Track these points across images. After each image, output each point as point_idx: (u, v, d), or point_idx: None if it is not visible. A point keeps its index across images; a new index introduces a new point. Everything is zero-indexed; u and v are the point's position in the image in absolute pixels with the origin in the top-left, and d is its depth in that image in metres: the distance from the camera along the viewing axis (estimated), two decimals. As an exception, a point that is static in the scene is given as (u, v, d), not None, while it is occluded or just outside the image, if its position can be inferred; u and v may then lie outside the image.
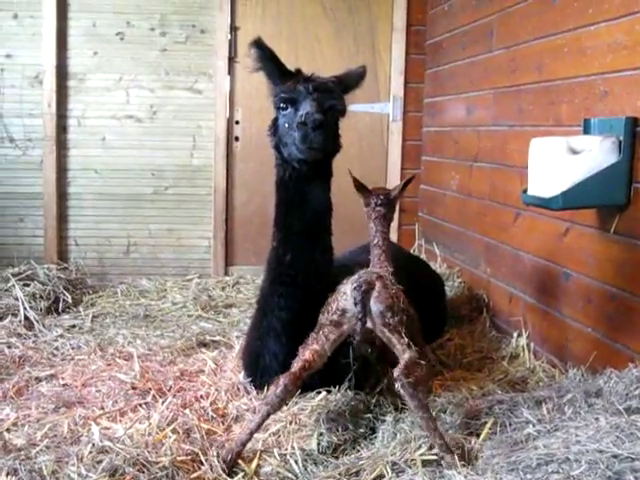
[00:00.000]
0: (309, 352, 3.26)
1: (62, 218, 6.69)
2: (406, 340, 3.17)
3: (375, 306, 3.21)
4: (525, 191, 3.78)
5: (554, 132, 4.19)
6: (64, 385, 4.04)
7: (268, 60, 3.86)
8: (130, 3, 6.59)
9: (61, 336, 4.96)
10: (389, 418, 3.48)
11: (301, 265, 3.82)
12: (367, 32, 6.88)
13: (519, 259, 4.76)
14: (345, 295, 3.27)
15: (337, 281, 3.51)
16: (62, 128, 6.62)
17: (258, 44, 3.84)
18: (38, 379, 4.14)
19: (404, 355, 3.11)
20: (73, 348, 4.72)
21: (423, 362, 3.14)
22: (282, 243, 3.87)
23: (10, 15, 6.49)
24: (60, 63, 6.54)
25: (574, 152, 3.51)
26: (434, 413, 3.30)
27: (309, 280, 3.82)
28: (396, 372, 3.03)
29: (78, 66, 6.62)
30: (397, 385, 3.02)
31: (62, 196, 6.67)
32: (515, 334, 4.68)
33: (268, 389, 3.80)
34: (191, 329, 5.19)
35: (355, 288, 3.22)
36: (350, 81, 4.04)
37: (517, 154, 4.74)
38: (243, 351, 4.25)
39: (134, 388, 3.87)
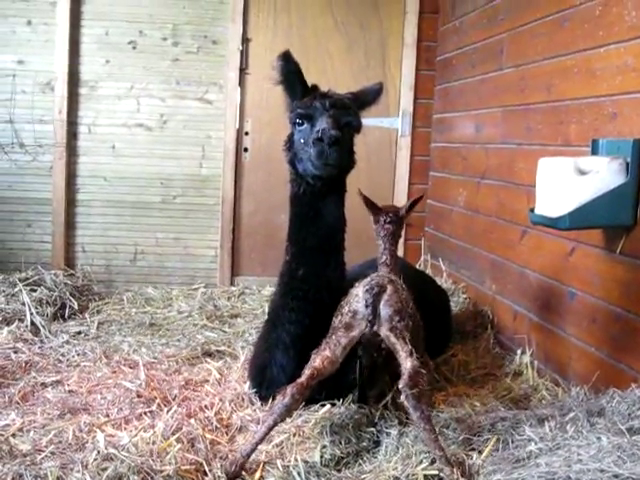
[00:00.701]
0: (320, 359, 3.29)
1: (70, 224, 6.72)
2: (409, 347, 3.20)
3: (384, 309, 3.27)
4: (532, 210, 3.80)
5: (562, 152, 4.21)
6: (70, 391, 4.06)
7: (293, 74, 3.88)
8: (143, 12, 6.64)
9: (67, 342, 4.98)
10: (393, 432, 3.49)
11: (314, 280, 3.84)
12: (378, 47, 6.91)
13: (525, 277, 4.78)
14: (357, 297, 3.33)
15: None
16: (72, 135, 6.66)
17: (287, 57, 3.84)
18: (44, 385, 4.16)
19: (407, 363, 3.14)
20: (79, 354, 4.74)
21: (425, 372, 3.18)
22: (295, 257, 3.89)
23: (24, 22, 6.54)
24: (72, 70, 6.59)
25: (582, 172, 3.53)
26: (437, 428, 3.29)
27: (321, 295, 3.82)
28: (401, 383, 3.06)
29: (90, 73, 6.67)
30: (402, 396, 3.05)
31: (71, 202, 6.70)
32: (519, 351, 4.69)
33: (274, 400, 3.82)
34: (196, 338, 5.21)
35: (367, 290, 3.29)
36: (366, 97, 4.06)
37: (525, 172, 4.76)
38: (250, 362, 4.27)
39: (139, 396, 3.88)
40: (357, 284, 3.44)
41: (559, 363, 4.28)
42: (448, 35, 6.57)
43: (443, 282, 6.10)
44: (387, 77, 6.88)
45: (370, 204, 3.83)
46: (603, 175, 3.46)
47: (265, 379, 3.98)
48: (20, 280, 5.64)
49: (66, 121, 6.58)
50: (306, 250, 3.87)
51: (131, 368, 4.42)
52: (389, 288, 3.31)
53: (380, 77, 6.76)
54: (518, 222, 4.87)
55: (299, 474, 3.14)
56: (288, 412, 3.23)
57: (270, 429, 3.22)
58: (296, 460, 3.24)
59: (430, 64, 6.91)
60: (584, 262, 4.05)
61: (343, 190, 3.96)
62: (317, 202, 3.84)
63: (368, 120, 6.65)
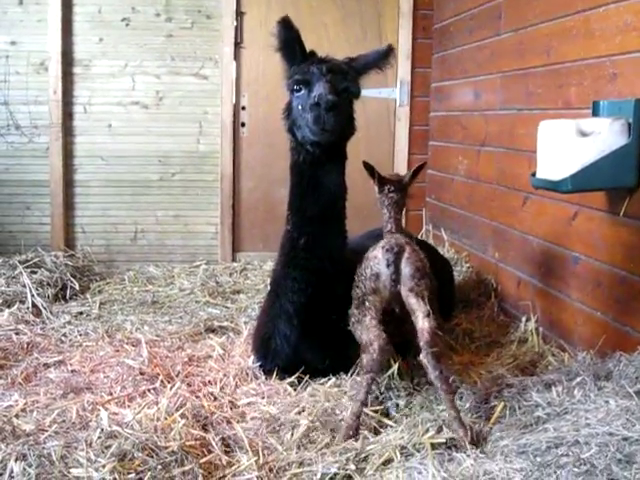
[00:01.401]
0: (369, 320, 3.34)
1: (69, 205, 6.69)
2: (428, 308, 3.23)
3: (406, 268, 3.28)
4: (534, 174, 3.76)
5: (563, 115, 4.16)
6: (72, 371, 4.05)
7: (292, 41, 3.82)
8: (136, -12, 6.57)
9: (69, 323, 4.97)
10: (400, 402, 3.50)
11: (315, 249, 3.81)
12: (374, 17, 6.84)
13: (527, 243, 4.74)
14: (377, 259, 3.34)
15: (350, 266, 3.58)
16: (68, 115, 6.61)
17: (286, 23, 3.78)
18: (46, 365, 4.15)
19: (425, 323, 3.18)
20: (81, 335, 4.73)
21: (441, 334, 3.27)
22: (296, 227, 3.85)
23: (15, 2, 6.48)
24: (65, 50, 6.53)
25: (583, 134, 3.48)
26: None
27: (323, 264, 3.81)
28: (421, 342, 3.12)
29: (83, 52, 6.61)
30: (422, 354, 3.11)
31: (68, 183, 6.66)
32: (524, 318, 4.66)
33: (278, 373, 3.89)
34: (199, 315, 5.19)
35: (387, 250, 3.30)
36: (369, 61, 3.99)
37: (525, 138, 4.71)
38: (253, 335, 4.26)
39: (142, 374, 3.86)
40: (372, 248, 3.44)
41: (564, 329, 4.25)
42: (445, 2, 6.50)
43: (445, 252, 6.07)
44: (384, 47, 6.80)
45: (374, 173, 3.80)
46: (605, 136, 3.41)
47: (269, 351, 3.98)
48: (20, 262, 5.63)
49: (61, 101, 6.52)
50: (307, 219, 3.83)
51: (134, 346, 4.40)
52: (408, 248, 3.33)
53: (377, 47, 6.67)
54: (520, 188, 4.82)
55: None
56: (380, 365, 3.33)
57: (370, 386, 3.31)
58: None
59: (427, 32, 6.84)
60: (587, 226, 4.01)
61: (343, 158, 3.92)
62: (317, 170, 3.80)
63: (366, 91, 6.63)
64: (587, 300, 4.01)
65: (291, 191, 3.90)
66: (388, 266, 3.28)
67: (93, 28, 6.59)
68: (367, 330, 3.32)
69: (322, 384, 3.81)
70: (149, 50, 6.64)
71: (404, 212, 5.70)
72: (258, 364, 4.03)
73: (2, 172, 6.59)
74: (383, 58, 4.01)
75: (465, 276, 5.59)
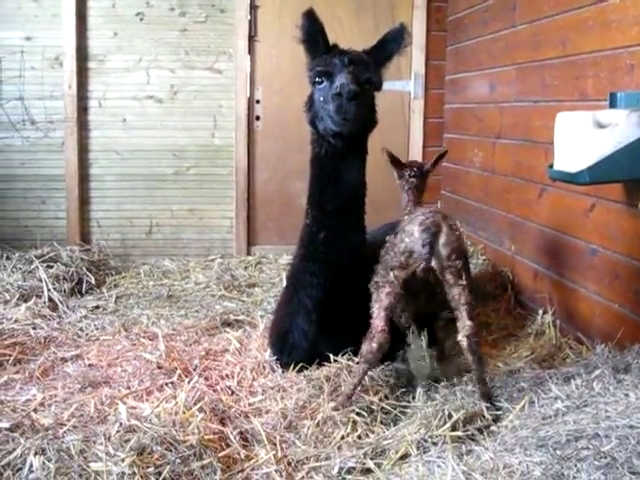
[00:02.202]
0: (385, 296, 3.37)
1: (84, 200, 6.70)
2: (469, 298, 3.28)
3: (443, 248, 3.27)
4: (551, 166, 3.74)
5: (579, 107, 4.14)
6: (90, 365, 4.06)
7: (317, 33, 3.84)
8: (149, -17, 6.57)
9: (85, 317, 4.98)
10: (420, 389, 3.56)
11: (334, 243, 3.80)
12: (387, 10, 6.82)
13: (544, 235, 4.72)
14: (412, 236, 3.28)
15: (369, 261, 3.58)
16: (83, 109, 6.62)
17: (311, 16, 3.81)
18: (64, 359, 4.16)
19: (467, 314, 3.26)
20: (98, 329, 4.74)
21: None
22: (316, 221, 3.84)
23: (30, -3, 6.48)
24: (80, 44, 6.54)
25: (600, 126, 3.46)
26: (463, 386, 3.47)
27: (342, 259, 3.80)
28: (468, 330, 3.23)
29: (98, 47, 6.61)
30: (465, 342, 3.23)
31: (84, 178, 6.68)
32: (540, 311, 4.64)
33: (295, 366, 3.89)
34: (215, 309, 5.19)
35: (424, 230, 3.24)
36: (390, 51, 3.97)
37: (541, 130, 4.69)
38: (270, 329, 4.27)
39: (160, 367, 3.86)
40: (407, 220, 3.42)
41: (582, 321, 4.24)
42: (459, -6, 6.48)
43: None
44: (398, 39, 6.78)
45: (394, 160, 3.89)
46: (622, 128, 3.38)
47: (286, 345, 3.97)
48: (36, 257, 5.65)
49: (76, 96, 6.53)
50: (327, 213, 3.81)
51: (150, 340, 4.42)
52: (444, 226, 3.29)
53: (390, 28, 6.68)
54: (536, 180, 4.80)
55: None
56: (378, 358, 3.40)
57: (364, 375, 3.44)
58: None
59: (441, 25, 6.82)
60: (604, 218, 3.99)
61: (364, 151, 3.90)
62: (338, 163, 3.78)
63: (380, 84, 6.65)
64: (605, 292, 3.99)
65: (311, 185, 3.89)
66: (423, 246, 3.22)
67: (107, 23, 6.59)
68: (376, 314, 3.37)
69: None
70: (163, 44, 6.64)
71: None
72: (275, 358, 4.02)
73: (18, 167, 6.61)
74: (400, 41, 3.95)
75: (481, 269, 5.57)
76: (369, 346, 3.34)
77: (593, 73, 4.11)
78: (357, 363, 3.51)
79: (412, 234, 3.28)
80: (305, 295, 3.87)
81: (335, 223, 3.80)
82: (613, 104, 3.72)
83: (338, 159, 3.77)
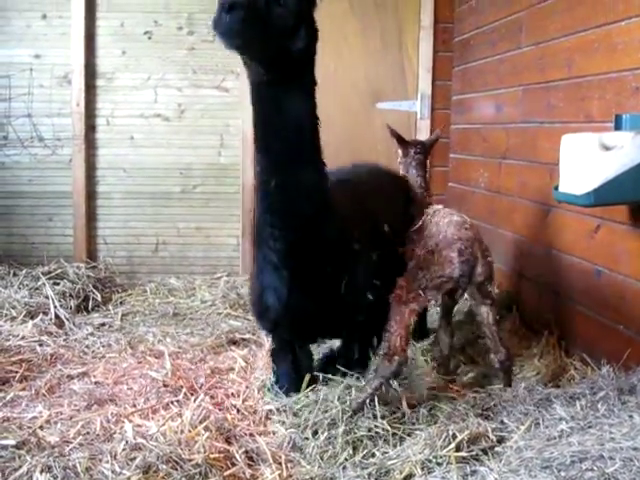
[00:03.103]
0: (409, 314, 3.41)
1: (91, 217, 6.73)
2: (492, 302, 3.57)
3: (479, 277, 3.48)
4: (556, 188, 3.76)
5: (585, 129, 4.16)
6: (96, 383, 4.08)
7: None
8: (158, 2, 6.62)
9: (91, 334, 5.00)
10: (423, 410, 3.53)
11: (288, 190, 3.36)
12: (394, 30, 6.85)
13: (549, 256, 4.73)
14: (452, 265, 3.42)
15: (336, 204, 3.51)
16: (91, 127, 6.66)
17: None
18: (70, 377, 4.18)
19: (490, 321, 3.57)
20: (104, 346, 4.76)
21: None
22: (265, 168, 3.40)
23: (39, 15, 6.55)
24: (89, 62, 6.59)
25: (606, 148, 3.48)
26: (466, 406, 3.47)
27: (299, 205, 3.38)
28: (503, 356, 3.59)
29: (106, 65, 6.67)
30: (501, 366, 3.60)
31: (91, 195, 6.71)
32: (546, 332, 4.63)
33: (274, 330, 3.90)
34: (220, 327, 5.21)
35: (464, 262, 3.42)
36: None
37: (547, 151, 4.71)
38: (250, 294, 4.10)
39: (165, 385, 3.88)
40: (446, 244, 3.50)
41: (587, 342, 4.24)
42: (465, 15, 6.51)
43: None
44: (404, 60, 6.84)
45: (398, 138, 4.02)
46: (627, 150, 3.40)
47: (263, 305, 3.69)
48: (43, 274, 5.69)
49: (84, 114, 6.58)
50: (274, 157, 3.35)
51: (156, 358, 4.44)
52: (480, 258, 3.50)
53: (397, 60, 6.77)
54: (541, 201, 4.82)
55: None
56: (395, 376, 3.47)
57: (377, 390, 3.40)
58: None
59: (448, 45, 6.85)
60: (610, 239, 4.00)
61: (307, 80, 3.37)
62: (275, 94, 3.25)
63: (386, 104, 6.73)
64: (610, 314, 4.00)
65: (254, 126, 3.41)
66: (462, 276, 3.42)
67: (116, 41, 6.65)
68: (399, 333, 3.37)
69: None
70: (171, 63, 6.69)
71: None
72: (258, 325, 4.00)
73: (25, 184, 6.65)
74: None
75: (486, 288, 5.57)
76: (388, 364, 3.35)
77: (599, 95, 4.13)
78: (371, 378, 3.52)
79: (452, 262, 3.41)
80: (270, 250, 3.51)
81: (285, 168, 3.35)
82: (618, 126, 3.73)
83: (274, 90, 3.26)
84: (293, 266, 3.49)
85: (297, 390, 3.75)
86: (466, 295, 3.71)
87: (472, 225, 3.72)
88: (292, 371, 3.95)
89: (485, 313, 3.55)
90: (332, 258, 3.50)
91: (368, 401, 3.38)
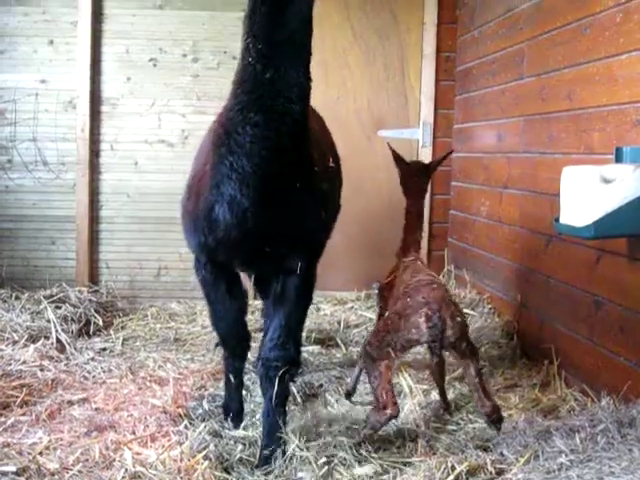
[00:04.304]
0: (385, 369, 3.38)
1: (94, 241, 6.76)
2: (472, 357, 3.45)
3: (449, 338, 3.37)
4: (557, 220, 3.78)
5: (585, 160, 4.19)
6: (96, 409, 4.07)
7: None
8: (163, 30, 6.69)
9: (92, 359, 5.00)
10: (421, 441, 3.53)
11: (283, 86, 3.09)
12: (397, 58, 6.91)
13: (550, 286, 4.74)
14: (420, 330, 3.36)
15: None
16: (95, 152, 6.71)
17: None
18: (70, 402, 4.17)
19: (472, 373, 3.45)
20: (104, 371, 4.76)
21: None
22: (262, 56, 3.04)
23: (46, 41, 6.61)
24: (94, 88, 6.65)
25: (606, 181, 3.50)
26: (465, 438, 3.52)
27: (292, 107, 3.12)
28: (488, 409, 3.41)
29: (111, 91, 6.72)
30: (489, 419, 3.44)
31: (94, 219, 6.74)
32: (546, 361, 4.64)
33: (214, 249, 3.54)
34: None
35: (431, 327, 3.33)
36: None
37: (548, 181, 4.74)
38: (188, 210, 3.70)
39: (165, 413, 3.88)
40: (410, 305, 3.46)
41: (587, 373, 4.24)
42: (467, 45, 6.56)
43: (467, 292, 6.07)
44: (407, 88, 6.89)
45: (399, 158, 3.99)
46: (628, 183, 3.43)
47: (210, 221, 3.40)
48: (45, 297, 5.70)
49: (88, 139, 6.63)
50: (275, 45, 3.06)
51: (157, 384, 4.43)
52: (449, 321, 3.37)
53: (400, 88, 6.82)
54: (542, 231, 4.84)
55: None
56: (380, 429, 3.46)
57: (367, 438, 3.46)
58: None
59: (450, 74, 6.90)
60: (610, 271, 4.02)
61: None
62: None
63: (389, 132, 6.76)
64: (610, 345, 4.00)
65: (253, 11, 3.08)
66: (432, 341, 3.37)
67: (121, 68, 6.71)
68: (383, 387, 3.36)
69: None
70: (176, 89, 6.74)
71: (424, 253, 5.79)
72: (195, 244, 3.63)
73: (29, 207, 6.69)
74: None
75: (487, 317, 5.58)
76: (379, 417, 3.35)
77: (599, 127, 4.17)
78: (362, 428, 3.54)
79: (419, 328, 3.36)
80: (243, 155, 3.14)
81: (284, 59, 3.08)
82: (619, 159, 3.76)
83: None
84: (267, 174, 3.19)
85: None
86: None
87: (440, 284, 3.70)
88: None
89: (466, 367, 3.49)
90: (299, 173, 3.31)
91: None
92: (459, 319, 3.44)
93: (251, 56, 3.06)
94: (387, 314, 3.62)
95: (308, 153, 3.35)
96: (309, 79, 3.18)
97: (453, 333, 3.37)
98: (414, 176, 4.07)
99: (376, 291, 4.28)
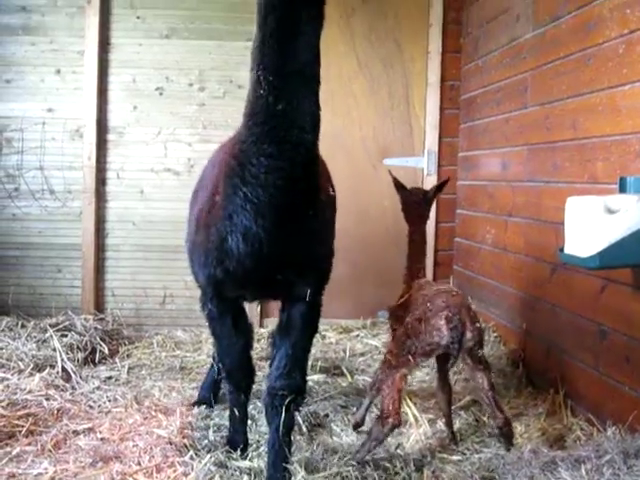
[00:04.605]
0: (400, 379, 3.46)
1: (100, 269, 6.79)
2: (485, 366, 3.60)
3: (468, 342, 3.48)
4: (562, 249, 3.78)
5: (589, 189, 4.21)
6: (101, 439, 4.06)
7: None
8: (169, 59, 6.75)
9: (98, 388, 5.00)
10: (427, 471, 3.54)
11: (297, 116, 3.13)
12: (402, 87, 6.95)
13: (555, 315, 4.74)
14: (440, 332, 3.44)
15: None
16: (101, 181, 6.75)
17: None
18: (76, 432, 4.16)
19: (486, 386, 3.59)
20: (110, 400, 4.74)
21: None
22: (274, 88, 3.07)
23: (53, 70, 6.68)
24: (100, 117, 6.70)
25: (611, 211, 3.51)
26: (471, 468, 3.53)
27: (305, 137, 3.17)
28: (501, 422, 3.58)
29: (118, 120, 6.78)
30: (500, 431, 3.61)
31: (100, 247, 6.77)
32: (552, 390, 4.64)
33: (225, 280, 3.53)
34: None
35: (452, 328, 3.43)
36: None
37: (553, 210, 4.75)
38: (196, 246, 3.71)
39: (171, 443, 3.87)
40: (433, 311, 3.53)
41: (593, 403, 4.23)
42: (471, 74, 6.60)
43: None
44: (411, 117, 6.93)
45: (400, 186, 4.06)
46: (633, 214, 3.43)
47: (222, 253, 3.41)
48: (51, 326, 5.71)
49: (95, 167, 6.67)
50: (286, 77, 3.09)
51: (163, 414, 4.42)
52: (469, 324, 3.49)
53: (404, 117, 6.85)
54: (547, 260, 4.85)
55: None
56: (387, 437, 3.53)
57: (370, 451, 3.54)
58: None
59: (454, 103, 6.94)
60: (615, 300, 4.02)
61: (320, 5, 3.18)
62: (300, 14, 3.09)
63: (394, 160, 6.79)
64: (615, 375, 4.00)
65: (264, 43, 3.10)
66: (452, 343, 3.42)
67: (128, 96, 6.77)
68: (392, 397, 3.42)
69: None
70: (182, 118, 6.79)
71: (430, 278, 5.79)
72: (204, 276, 3.61)
73: (35, 235, 6.72)
74: None
75: (493, 346, 5.58)
76: (382, 427, 3.40)
77: (603, 157, 4.18)
78: (365, 441, 3.56)
79: (440, 330, 3.44)
80: (257, 185, 3.18)
81: (296, 90, 3.11)
82: (623, 188, 3.76)
83: (301, 7, 3.09)
84: (282, 203, 3.22)
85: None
86: (463, 362, 3.70)
87: (459, 292, 3.78)
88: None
89: (480, 379, 3.58)
90: (310, 201, 3.34)
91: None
92: (478, 325, 3.54)
93: (262, 88, 3.09)
94: (406, 321, 3.65)
95: (317, 181, 3.39)
96: (319, 108, 3.21)
97: (472, 337, 3.47)
98: (415, 203, 4.15)
99: (386, 315, 4.32)
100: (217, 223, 3.40)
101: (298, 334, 3.69)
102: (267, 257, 3.32)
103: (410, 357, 3.46)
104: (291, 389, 3.60)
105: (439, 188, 4.26)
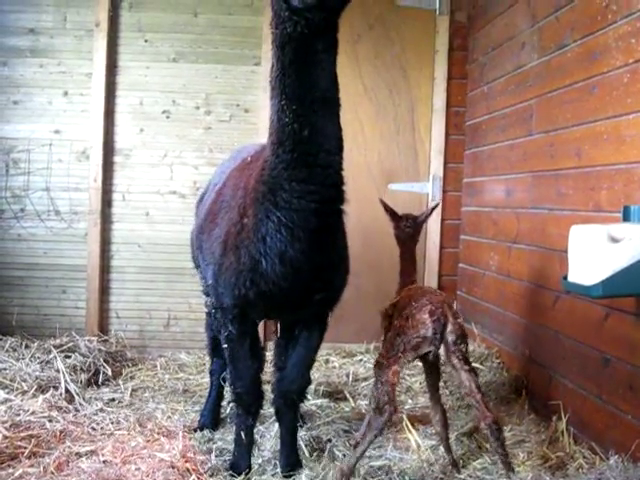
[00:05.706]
0: (392, 375, 3.56)
1: (104, 290, 6.80)
2: (470, 367, 3.67)
3: (450, 335, 3.62)
4: (565, 277, 3.79)
5: (594, 218, 4.22)
6: (104, 462, 4.04)
7: None
8: (177, 83, 6.80)
9: (101, 410, 4.99)
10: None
11: (323, 141, 3.30)
12: (407, 112, 6.99)
13: (559, 342, 4.74)
14: (425, 325, 3.59)
15: None
16: (107, 202, 6.78)
17: None
18: (78, 454, 4.15)
19: (473, 388, 3.63)
20: (113, 423, 4.74)
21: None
22: (298, 116, 3.24)
23: (60, 92, 6.74)
24: (107, 139, 6.75)
25: (614, 240, 3.52)
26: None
27: (332, 158, 3.35)
28: (489, 419, 3.58)
29: (124, 142, 6.82)
30: (490, 430, 3.59)
31: (105, 269, 6.79)
32: (554, 418, 4.62)
33: (253, 303, 3.68)
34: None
35: (435, 320, 3.58)
36: None
37: (557, 238, 4.76)
38: (226, 268, 3.72)
39: (173, 467, 3.86)
40: (417, 308, 3.68)
41: (596, 430, 4.23)
42: (477, 100, 6.64)
43: (476, 346, 6.06)
44: (417, 142, 6.96)
45: (390, 211, 4.37)
46: (636, 242, 3.45)
47: (256, 276, 3.53)
48: (55, 347, 5.73)
49: (101, 189, 6.71)
50: (309, 105, 3.26)
51: (165, 437, 4.42)
52: (450, 317, 3.64)
53: (410, 142, 6.89)
54: (551, 287, 4.85)
55: None
56: (385, 429, 3.64)
57: (370, 444, 3.61)
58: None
59: (459, 129, 6.97)
60: (618, 328, 4.02)
61: (337, 34, 3.40)
62: (317, 44, 3.27)
63: (399, 185, 6.82)
64: (618, 403, 4.00)
65: (284, 75, 3.27)
66: (435, 334, 3.57)
67: (134, 119, 6.82)
68: (386, 389, 3.55)
69: None
70: (188, 141, 6.84)
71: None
72: (230, 297, 3.69)
73: (40, 256, 6.75)
74: None
75: (496, 372, 5.57)
76: (379, 418, 3.52)
77: (607, 185, 4.20)
78: (361, 438, 3.72)
79: (424, 323, 3.59)
80: (290, 209, 3.34)
81: (320, 115, 3.28)
82: (627, 217, 3.78)
83: (315, 38, 3.26)
84: (316, 225, 3.38)
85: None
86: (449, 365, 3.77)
87: (442, 293, 3.99)
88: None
89: (467, 381, 3.64)
90: (339, 221, 3.61)
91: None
92: (459, 320, 3.69)
93: (287, 117, 3.25)
94: (394, 323, 3.77)
95: (344, 201, 3.54)
96: (341, 129, 3.40)
97: (454, 329, 3.61)
98: (406, 227, 4.34)
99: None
100: (249, 245, 3.53)
101: (311, 342, 4.05)
102: (302, 277, 3.51)
103: (400, 354, 3.58)
104: (302, 389, 4.07)
105: (429, 214, 4.48)
